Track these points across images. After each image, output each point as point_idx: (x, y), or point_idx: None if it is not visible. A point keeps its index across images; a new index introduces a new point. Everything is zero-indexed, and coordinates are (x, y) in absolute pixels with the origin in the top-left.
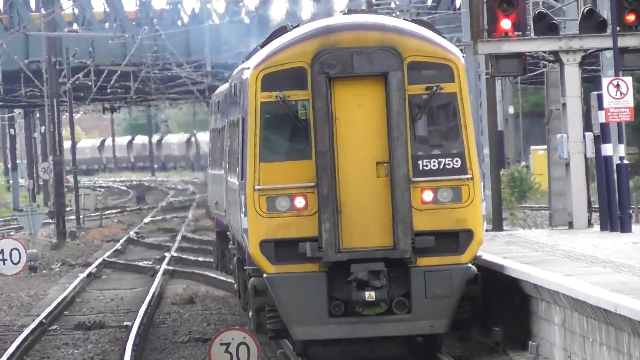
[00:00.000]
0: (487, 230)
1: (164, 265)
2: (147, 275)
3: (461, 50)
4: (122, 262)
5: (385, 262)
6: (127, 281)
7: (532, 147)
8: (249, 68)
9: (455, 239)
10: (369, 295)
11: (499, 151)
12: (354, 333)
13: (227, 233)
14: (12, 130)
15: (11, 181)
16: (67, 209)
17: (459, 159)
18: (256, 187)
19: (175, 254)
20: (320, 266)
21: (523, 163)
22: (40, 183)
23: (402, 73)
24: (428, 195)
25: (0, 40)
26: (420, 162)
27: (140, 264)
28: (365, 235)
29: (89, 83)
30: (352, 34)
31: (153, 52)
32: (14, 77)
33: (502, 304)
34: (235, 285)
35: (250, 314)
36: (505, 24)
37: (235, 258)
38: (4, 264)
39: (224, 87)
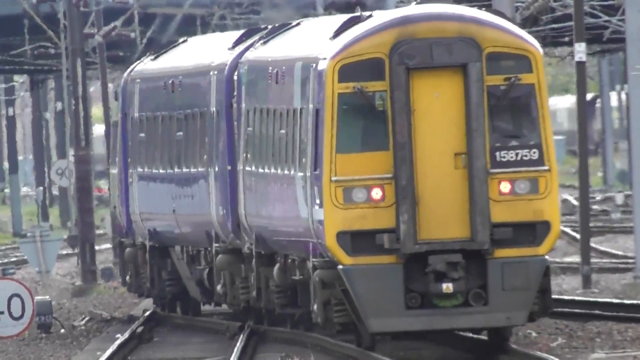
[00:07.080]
0: None
1: (249, 322)
2: (223, 337)
3: None
4: (183, 315)
5: (462, 253)
6: (193, 346)
7: None
8: (325, 58)
9: (532, 231)
10: (447, 287)
11: None
12: (430, 325)
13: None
14: (10, 110)
15: (8, 190)
16: (99, 232)
17: (536, 151)
18: (332, 178)
19: None
20: (397, 258)
21: None
22: (56, 192)
23: (481, 64)
24: (505, 187)
25: None
26: (497, 153)
27: (213, 319)
28: (443, 227)
29: (132, 35)
30: (430, 25)
31: None
32: (14, 26)
33: None
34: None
35: (316, 307)
36: None
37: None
38: None
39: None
